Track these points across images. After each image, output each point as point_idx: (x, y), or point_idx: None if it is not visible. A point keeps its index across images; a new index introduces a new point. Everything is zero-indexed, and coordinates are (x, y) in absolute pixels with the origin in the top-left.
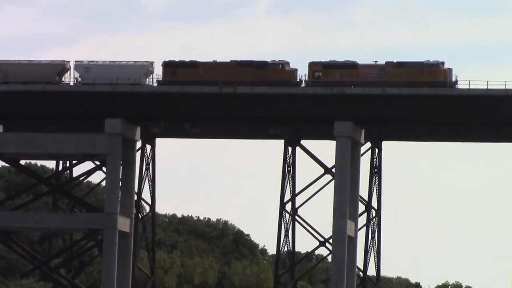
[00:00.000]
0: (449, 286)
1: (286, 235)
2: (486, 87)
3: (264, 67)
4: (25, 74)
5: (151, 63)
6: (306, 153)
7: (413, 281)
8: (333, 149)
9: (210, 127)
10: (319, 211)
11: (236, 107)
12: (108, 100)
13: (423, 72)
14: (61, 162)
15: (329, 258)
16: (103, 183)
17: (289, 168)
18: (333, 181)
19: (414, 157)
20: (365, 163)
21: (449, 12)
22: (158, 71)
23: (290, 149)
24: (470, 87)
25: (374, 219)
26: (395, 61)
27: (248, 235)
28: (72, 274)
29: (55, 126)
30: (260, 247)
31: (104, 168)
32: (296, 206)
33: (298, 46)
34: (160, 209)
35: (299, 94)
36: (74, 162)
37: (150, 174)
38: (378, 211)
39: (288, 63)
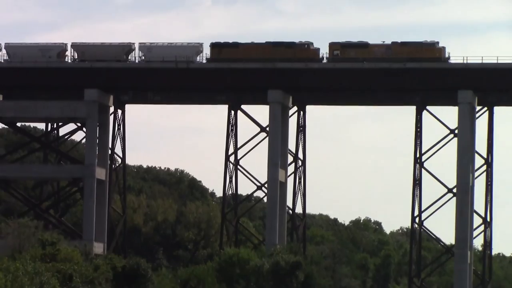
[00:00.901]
0: (361, 221)
1: (231, 181)
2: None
3: (293, 47)
4: (99, 53)
5: (201, 44)
6: (246, 115)
7: (332, 217)
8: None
9: (168, 95)
10: (256, 162)
11: (189, 79)
12: (87, 74)
13: (422, 50)
14: (49, 124)
15: (265, 199)
16: (83, 141)
17: (232, 127)
18: (267, 137)
19: (332, 117)
20: (293, 122)
21: None
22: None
23: (232, 112)
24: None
25: (300, 168)
26: (399, 41)
27: (200, 181)
28: (59, 214)
29: (45, 95)
30: (210, 191)
31: (84, 129)
32: (238, 158)
33: (239, 31)
34: (130, 161)
35: (240, 68)
36: (60, 124)
37: (121, 133)
38: (304, 161)
39: (312, 43)
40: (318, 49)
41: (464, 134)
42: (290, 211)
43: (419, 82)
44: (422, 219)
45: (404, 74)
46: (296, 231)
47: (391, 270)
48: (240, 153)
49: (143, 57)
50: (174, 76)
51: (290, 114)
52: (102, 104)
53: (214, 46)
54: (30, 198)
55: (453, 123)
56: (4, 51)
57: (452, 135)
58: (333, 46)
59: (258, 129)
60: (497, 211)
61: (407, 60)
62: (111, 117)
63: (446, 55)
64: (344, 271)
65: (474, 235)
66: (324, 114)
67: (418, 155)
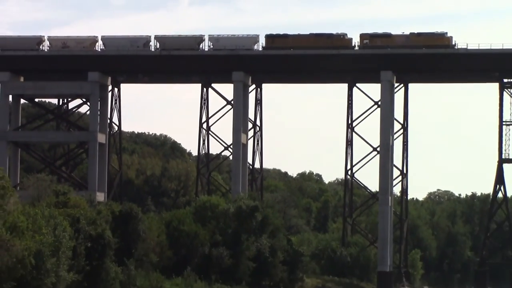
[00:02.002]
0: (306, 174)
1: (204, 143)
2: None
3: (331, 37)
4: (177, 44)
5: (258, 36)
6: (215, 92)
7: (283, 171)
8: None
9: (154, 77)
10: (223, 128)
11: (171, 63)
12: (90, 59)
13: (434, 39)
14: (61, 100)
15: (231, 157)
16: (88, 112)
17: (204, 101)
18: (232, 109)
19: (284, 92)
20: (252, 97)
21: None
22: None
23: (204, 89)
24: None
25: (258, 132)
26: (415, 32)
27: (180, 143)
28: (69, 170)
29: (58, 76)
30: (187, 151)
31: (88, 103)
32: (209, 125)
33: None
34: (124, 128)
35: (210, 55)
36: (69, 99)
37: (117, 106)
38: (260, 127)
39: (346, 34)
40: (351, 38)
41: (385, 105)
42: (250, 167)
43: (350, 65)
44: (353, 171)
45: (337, 58)
46: (255, 182)
47: (329, 212)
48: (210, 121)
49: (211, 46)
50: (158, 62)
51: (250, 91)
52: (102, 84)
53: (268, 37)
54: (46, 158)
55: (377, 97)
56: (100, 42)
57: (376, 106)
58: (363, 36)
59: (225, 103)
60: (411, 165)
61: (423, 47)
62: (110, 94)
63: (453, 43)
64: (292, 213)
65: (393, 184)
66: (278, 90)
67: (349, 122)
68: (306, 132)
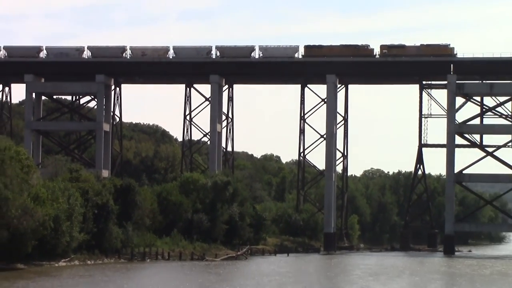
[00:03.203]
0: (268, 155)
1: (187, 131)
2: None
3: (358, 48)
4: (234, 52)
5: (298, 46)
6: (196, 91)
7: (250, 153)
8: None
9: (148, 78)
10: (203, 119)
11: (161, 68)
12: (98, 65)
13: (440, 49)
14: (74, 97)
15: (209, 142)
16: (95, 107)
17: (188, 98)
18: (210, 104)
19: (251, 91)
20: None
21: None
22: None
23: (188, 89)
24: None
25: (230, 123)
26: (425, 43)
27: (168, 131)
28: (81, 152)
29: (72, 78)
30: (174, 137)
31: (95, 99)
32: (192, 117)
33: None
34: (124, 119)
35: (192, 62)
36: (80, 96)
37: (119, 102)
38: (232, 118)
39: (369, 45)
40: (373, 48)
41: (330, 101)
42: (224, 150)
43: (303, 69)
44: (305, 154)
45: (294, 65)
46: (227, 162)
47: (286, 185)
48: (192, 114)
49: (261, 54)
50: (151, 67)
51: (224, 90)
52: (107, 84)
53: (307, 47)
54: (61, 142)
55: (324, 95)
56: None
57: (323, 102)
58: (382, 46)
59: (203, 99)
60: (351, 148)
61: (430, 55)
62: (113, 92)
63: (455, 52)
64: (257, 186)
65: (336, 164)
66: (247, 89)
67: (302, 115)
68: (268, 123)
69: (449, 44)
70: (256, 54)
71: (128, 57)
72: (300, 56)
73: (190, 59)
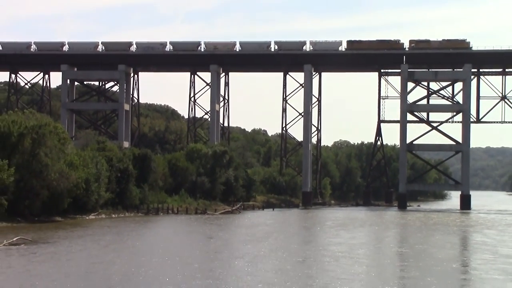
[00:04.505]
0: (256, 129)
1: (192, 110)
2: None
3: (390, 42)
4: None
5: (341, 41)
6: (199, 77)
7: (242, 128)
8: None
9: (161, 67)
10: (204, 100)
11: (169, 59)
12: (120, 57)
13: (458, 44)
14: (100, 82)
15: (209, 119)
16: (118, 90)
17: (192, 83)
18: (210, 88)
19: (246, 78)
20: (223, 81)
21: None
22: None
23: (192, 76)
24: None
25: (227, 103)
26: (446, 38)
27: (176, 110)
28: (106, 127)
29: (98, 67)
30: (181, 115)
31: (118, 84)
32: (196, 98)
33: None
34: (141, 100)
35: (194, 54)
36: (105, 82)
37: (137, 86)
38: (228, 99)
39: (399, 40)
40: (403, 43)
41: (307, 86)
42: (221, 125)
43: (285, 59)
44: (287, 128)
45: (276, 56)
46: (224, 135)
47: (272, 154)
48: (196, 96)
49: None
50: (162, 58)
51: (221, 76)
52: (127, 72)
53: (349, 42)
54: (91, 119)
55: (302, 81)
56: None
57: (301, 87)
58: (411, 41)
59: (205, 84)
60: (323, 124)
61: (450, 49)
62: (132, 78)
63: (470, 46)
64: (248, 155)
65: (312, 136)
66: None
67: (284, 96)
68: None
69: (466, 39)
70: (307, 46)
71: (141, 51)
72: (343, 49)
73: (194, 51)
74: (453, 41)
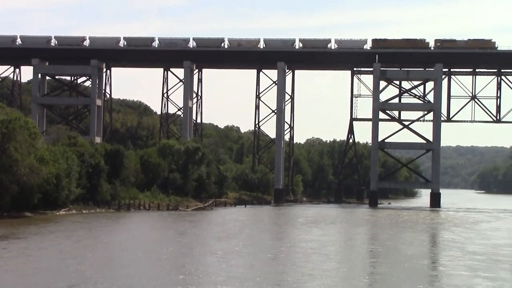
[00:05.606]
0: (229, 126)
1: (165, 106)
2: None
3: (416, 41)
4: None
5: (366, 40)
6: (172, 73)
7: (215, 124)
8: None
9: (132, 62)
10: (178, 96)
11: (143, 55)
12: (92, 52)
13: (483, 43)
14: (72, 77)
15: (182, 115)
16: (90, 86)
17: (165, 79)
18: (183, 84)
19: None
20: (196, 77)
21: None
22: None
23: (165, 72)
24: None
25: (200, 99)
26: (471, 38)
27: (149, 106)
28: (78, 122)
29: (72, 62)
30: (154, 111)
31: (90, 79)
32: (168, 95)
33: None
34: (114, 95)
35: (169, 50)
36: (77, 77)
37: (109, 81)
38: (201, 96)
39: (425, 39)
40: (429, 42)
41: (280, 83)
42: (194, 121)
43: (257, 58)
44: (260, 125)
45: (249, 53)
46: (197, 131)
47: (244, 150)
48: (169, 92)
49: (336, 46)
50: (135, 53)
51: (195, 73)
52: (99, 67)
53: (374, 40)
54: (62, 114)
55: (275, 78)
56: (262, 42)
57: (274, 84)
58: (437, 40)
59: (178, 80)
60: (296, 121)
61: (475, 48)
62: (104, 74)
63: (496, 46)
64: (220, 151)
65: (285, 133)
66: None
67: (257, 93)
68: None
69: (491, 39)
70: (333, 45)
71: (121, 46)
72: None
73: (168, 47)
74: (479, 40)
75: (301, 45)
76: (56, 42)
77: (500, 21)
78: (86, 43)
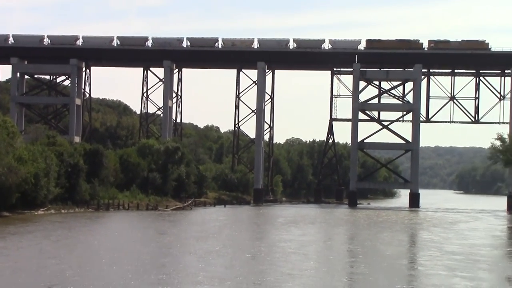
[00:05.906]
0: (209, 126)
1: (145, 106)
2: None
3: (409, 42)
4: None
5: (360, 40)
6: (151, 73)
7: (195, 124)
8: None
9: (110, 62)
10: (157, 96)
11: (122, 54)
12: (72, 51)
13: (477, 44)
14: (51, 76)
15: (162, 115)
16: (69, 84)
17: (145, 79)
18: (163, 84)
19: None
20: (176, 77)
21: None
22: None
23: (145, 71)
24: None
25: (180, 99)
26: (465, 39)
27: (129, 105)
28: (57, 122)
29: (52, 62)
30: (134, 111)
31: (69, 78)
32: (148, 94)
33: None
34: (93, 95)
35: (147, 49)
36: (57, 76)
37: (89, 80)
38: (181, 96)
39: (419, 40)
40: (422, 43)
41: (260, 83)
42: (174, 121)
43: (237, 58)
44: (240, 125)
45: (230, 53)
46: (177, 131)
47: (224, 150)
48: (149, 92)
49: (331, 46)
50: (114, 52)
51: (174, 72)
52: (79, 66)
53: (368, 40)
54: (41, 113)
55: (255, 78)
56: (256, 42)
57: (254, 84)
58: (430, 41)
59: (158, 80)
60: (276, 121)
61: (469, 49)
62: (84, 73)
63: (489, 47)
64: (200, 151)
65: (264, 133)
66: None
67: (237, 93)
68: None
69: (485, 40)
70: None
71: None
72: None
73: (146, 47)
74: (472, 41)
75: (295, 45)
76: (49, 41)
77: (494, 21)
78: (79, 42)
